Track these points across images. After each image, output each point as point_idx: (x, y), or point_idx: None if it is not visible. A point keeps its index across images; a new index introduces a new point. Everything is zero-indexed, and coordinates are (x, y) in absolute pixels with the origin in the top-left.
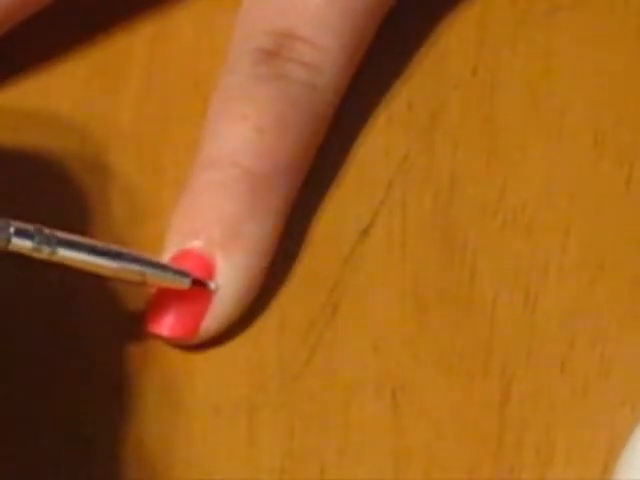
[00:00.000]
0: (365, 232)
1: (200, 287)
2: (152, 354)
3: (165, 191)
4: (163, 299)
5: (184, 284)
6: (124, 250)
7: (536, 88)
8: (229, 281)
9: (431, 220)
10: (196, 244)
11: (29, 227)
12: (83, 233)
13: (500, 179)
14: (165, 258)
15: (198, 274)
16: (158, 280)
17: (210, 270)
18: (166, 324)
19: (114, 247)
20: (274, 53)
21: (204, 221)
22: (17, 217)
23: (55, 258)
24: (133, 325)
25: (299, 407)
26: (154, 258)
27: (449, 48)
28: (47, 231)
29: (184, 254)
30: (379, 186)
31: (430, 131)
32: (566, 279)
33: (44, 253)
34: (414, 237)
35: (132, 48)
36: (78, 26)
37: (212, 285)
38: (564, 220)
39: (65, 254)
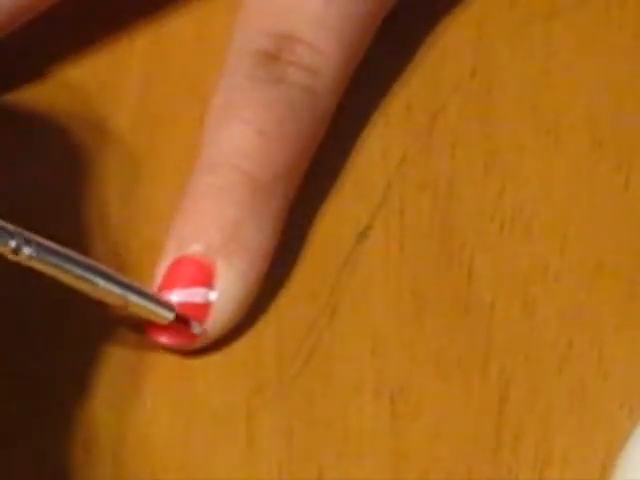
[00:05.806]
0: (363, 234)
1: (182, 324)
2: (150, 357)
3: (163, 194)
4: None
5: (167, 319)
6: (110, 271)
7: (534, 90)
8: (229, 286)
9: (429, 222)
10: (196, 249)
11: (9, 227)
12: (81, 237)
13: (498, 181)
14: (165, 263)
15: (198, 279)
16: (141, 308)
17: (210, 276)
18: (165, 331)
19: (101, 266)
20: (274, 56)
21: (204, 226)
22: (15, 222)
23: (34, 263)
24: (131, 329)
25: (297, 409)
26: (140, 286)
27: (448, 50)
28: (27, 235)
29: (184, 259)
30: (377, 188)
31: (428, 133)
32: (564, 281)
33: (22, 256)
34: (412, 239)
35: (131, 50)
36: (76, 27)
37: (208, 306)
38: (562, 222)
39: (45, 260)
